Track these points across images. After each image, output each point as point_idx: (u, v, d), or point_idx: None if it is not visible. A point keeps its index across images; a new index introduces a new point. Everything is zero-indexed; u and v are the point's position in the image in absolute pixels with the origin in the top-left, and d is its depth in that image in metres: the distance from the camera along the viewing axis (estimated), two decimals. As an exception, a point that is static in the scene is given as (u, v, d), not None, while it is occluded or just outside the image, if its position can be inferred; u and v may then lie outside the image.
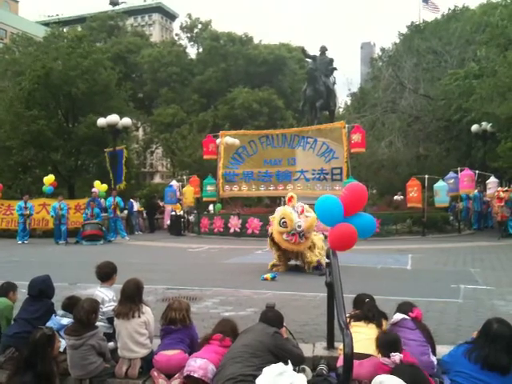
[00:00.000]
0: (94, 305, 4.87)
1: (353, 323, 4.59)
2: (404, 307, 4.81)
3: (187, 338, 4.78)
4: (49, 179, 21.47)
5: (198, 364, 4.29)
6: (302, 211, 10.14)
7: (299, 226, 9.94)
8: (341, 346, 4.21)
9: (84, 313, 4.70)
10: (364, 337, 4.39)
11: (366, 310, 4.78)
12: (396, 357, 3.88)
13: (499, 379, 3.61)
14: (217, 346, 4.48)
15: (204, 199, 23.07)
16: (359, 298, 5.12)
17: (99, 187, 21.45)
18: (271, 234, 10.65)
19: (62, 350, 4.84)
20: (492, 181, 20.24)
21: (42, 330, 4.33)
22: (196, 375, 4.22)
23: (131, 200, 25.00)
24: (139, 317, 4.83)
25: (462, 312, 6.82)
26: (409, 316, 4.63)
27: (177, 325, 4.75)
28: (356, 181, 18.22)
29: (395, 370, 3.72)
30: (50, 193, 21.52)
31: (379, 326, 4.62)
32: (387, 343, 4.11)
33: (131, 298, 4.91)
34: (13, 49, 41.39)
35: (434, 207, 20.23)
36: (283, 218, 10.11)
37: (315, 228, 10.85)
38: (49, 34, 41.56)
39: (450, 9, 38.27)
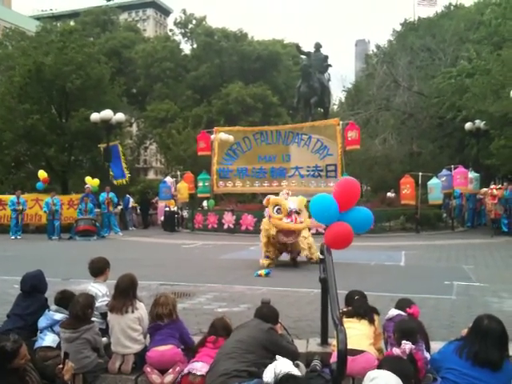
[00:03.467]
0: (89, 299, 4.86)
1: (345, 319, 4.60)
2: (402, 303, 4.83)
3: (177, 333, 4.78)
4: (41, 174, 21.35)
5: (201, 365, 4.32)
6: (288, 194, 11.00)
7: (292, 206, 10.36)
8: (334, 341, 4.22)
9: (80, 308, 4.68)
10: (357, 332, 4.40)
11: (357, 306, 4.80)
12: (406, 346, 3.89)
13: (490, 375, 3.61)
14: (211, 348, 4.48)
15: (198, 195, 23.04)
16: (350, 295, 5.14)
17: (91, 182, 21.34)
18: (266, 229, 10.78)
19: (54, 345, 4.84)
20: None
21: (2, 343, 3.71)
22: (199, 373, 4.24)
23: (128, 195, 24.96)
24: (133, 312, 4.83)
25: (455, 308, 6.85)
26: (406, 312, 4.64)
27: (164, 320, 4.74)
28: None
29: (382, 363, 3.73)
30: (40, 189, 21.38)
31: (371, 321, 4.64)
32: (401, 330, 4.14)
33: (125, 292, 4.90)
34: (5, 43, 41.12)
35: (427, 204, 20.30)
36: (276, 205, 10.55)
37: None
38: (41, 29, 41.31)
39: (445, 6, 38.43)
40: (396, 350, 3.96)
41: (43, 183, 21.28)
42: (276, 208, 10.47)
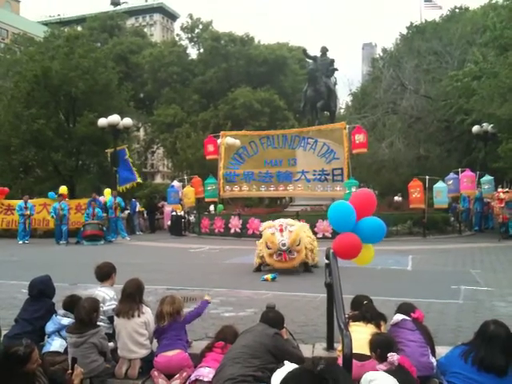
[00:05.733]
0: (94, 304, 4.88)
1: (352, 323, 4.61)
2: (405, 308, 4.81)
3: (182, 331, 4.84)
4: (63, 189, 21.52)
5: (208, 370, 4.34)
6: (281, 229, 10.21)
7: (283, 245, 10.02)
8: (340, 347, 4.22)
9: (85, 312, 4.71)
10: (363, 336, 4.38)
11: (364, 311, 4.80)
12: (394, 357, 3.87)
13: (496, 380, 3.60)
14: (219, 353, 4.50)
15: (206, 199, 23.04)
16: (357, 300, 5.14)
17: (108, 195, 21.32)
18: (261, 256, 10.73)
19: (62, 350, 4.87)
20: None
21: (15, 348, 3.78)
22: (206, 379, 4.27)
23: (133, 200, 25.02)
24: (139, 316, 4.85)
25: (462, 313, 6.82)
26: (410, 317, 4.62)
27: (169, 319, 4.77)
28: (356, 182, 18.30)
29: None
30: (53, 198, 21.41)
31: (378, 326, 4.63)
32: (379, 344, 4.07)
33: (132, 296, 4.94)
34: (14, 49, 41.45)
35: (434, 208, 20.19)
36: (266, 242, 10.32)
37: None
38: (49, 34, 41.57)
39: (450, 9, 38.40)
40: (381, 367, 3.92)
41: (54, 193, 21.36)
42: (267, 244, 10.31)
